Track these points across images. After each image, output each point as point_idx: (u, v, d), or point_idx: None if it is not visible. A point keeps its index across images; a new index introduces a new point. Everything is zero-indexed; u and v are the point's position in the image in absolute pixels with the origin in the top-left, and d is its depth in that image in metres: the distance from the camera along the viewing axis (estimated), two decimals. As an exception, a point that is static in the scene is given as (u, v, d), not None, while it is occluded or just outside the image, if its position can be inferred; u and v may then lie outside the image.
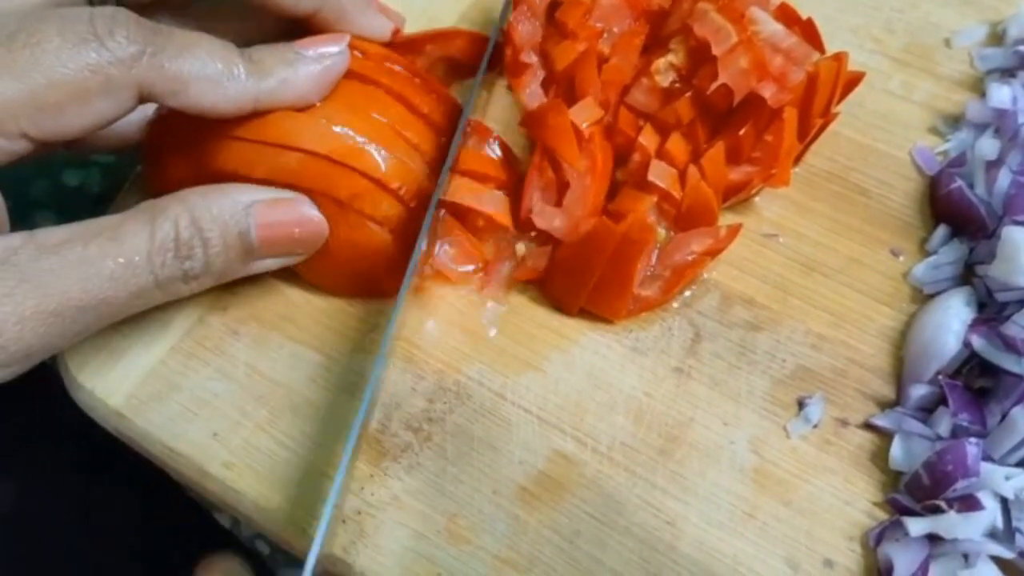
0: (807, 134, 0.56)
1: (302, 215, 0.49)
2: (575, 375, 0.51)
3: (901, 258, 0.55)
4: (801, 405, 0.50)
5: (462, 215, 0.54)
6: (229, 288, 0.54)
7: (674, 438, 0.49)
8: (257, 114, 0.48)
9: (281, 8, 0.50)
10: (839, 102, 0.57)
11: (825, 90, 0.54)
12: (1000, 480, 0.44)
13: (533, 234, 0.54)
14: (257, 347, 0.52)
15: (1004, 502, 0.44)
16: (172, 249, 0.44)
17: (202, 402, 0.50)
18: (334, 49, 0.50)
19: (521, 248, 0.54)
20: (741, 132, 0.53)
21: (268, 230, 0.47)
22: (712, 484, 0.48)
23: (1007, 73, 0.60)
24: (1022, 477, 0.44)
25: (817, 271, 0.54)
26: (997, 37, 0.63)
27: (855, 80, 0.57)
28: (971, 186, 0.54)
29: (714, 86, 0.52)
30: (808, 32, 0.56)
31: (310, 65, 0.48)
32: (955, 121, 0.59)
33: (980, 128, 0.58)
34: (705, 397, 0.50)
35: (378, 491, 0.48)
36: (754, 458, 0.49)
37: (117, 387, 0.51)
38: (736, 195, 0.55)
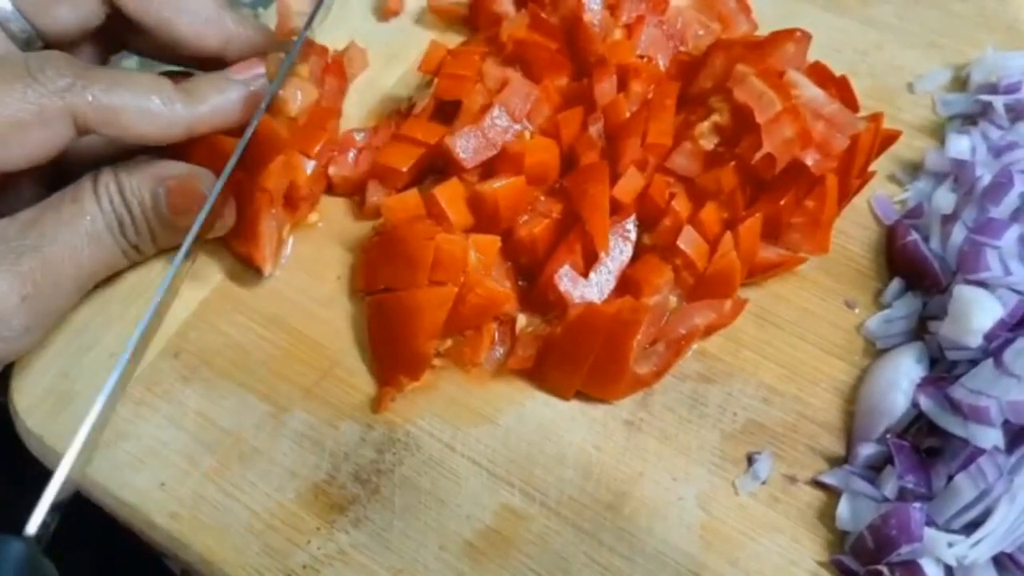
0: (846, 196, 0.56)
1: (205, 196, 0.51)
2: (527, 427, 0.51)
3: (856, 310, 0.55)
4: (750, 461, 0.50)
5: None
6: (181, 333, 0.54)
7: (622, 493, 0.49)
8: None
9: (187, 47, 0.53)
10: (876, 159, 0.57)
11: (864, 152, 0.54)
12: (943, 546, 0.44)
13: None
14: (207, 394, 0.52)
15: (948, 570, 0.44)
16: (112, 212, 0.49)
17: (150, 451, 0.50)
18: (261, 70, 0.53)
19: (522, 320, 0.53)
20: (782, 203, 0.52)
21: (178, 201, 0.50)
22: (659, 541, 0.48)
23: (969, 120, 0.60)
24: (965, 544, 0.44)
25: (771, 322, 0.54)
26: (961, 82, 0.63)
27: (892, 138, 0.57)
28: (927, 238, 0.54)
29: (759, 155, 0.51)
30: (843, 90, 0.56)
31: (241, 89, 0.52)
32: (914, 169, 0.59)
33: (939, 178, 0.58)
34: (655, 451, 0.50)
35: (324, 544, 0.48)
36: (702, 515, 0.48)
37: (65, 434, 0.50)
38: (761, 274, 0.55)
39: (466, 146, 0.54)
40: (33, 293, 0.46)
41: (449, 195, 0.53)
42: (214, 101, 0.51)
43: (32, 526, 0.41)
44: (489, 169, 0.55)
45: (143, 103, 0.48)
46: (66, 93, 0.46)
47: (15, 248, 0.46)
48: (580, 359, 0.50)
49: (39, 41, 0.51)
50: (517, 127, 0.55)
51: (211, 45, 0.54)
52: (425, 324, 0.50)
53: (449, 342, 0.52)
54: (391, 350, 0.52)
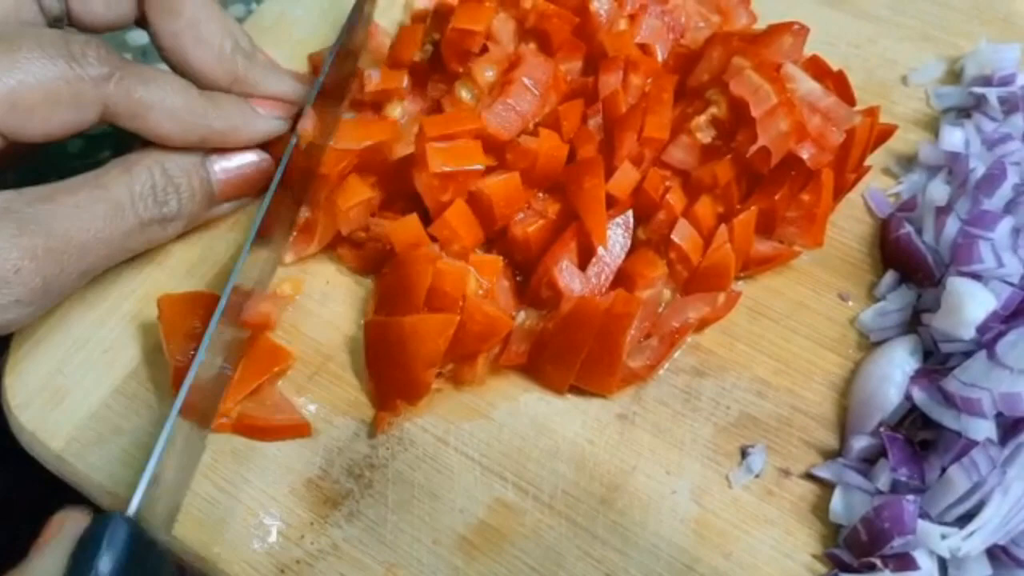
0: (842, 191, 0.55)
1: (254, 160, 0.54)
2: (520, 422, 0.51)
3: (849, 303, 0.55)
4: (744, 454, 0.50)
5: None
6: (174, 329, 0.54)
7: (616, 487, 0.49)
8: None
9: (194, 76, 0.53)
10: (871, 153, 0.56)
11: (860, 147, 0.54)
12: (936, 538, 0.44)
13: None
14: (200, 390, 0.52)
15: (942, 562, 0.44)
16: (151, 195, 0.50)
17: (144, 446, 0.50)
18: (279, 115, 0.55)
19: (522, 316, 0.53)
20: (777, 196, 0.52)
21: (226, 175, 0.54)
22: (652, 535, 0.48)
23: (962, 113, 0.60)
24: (959, 536, 0.44)
25: (765, 316, 0.54)
26: (955, 75, 0.63)
27: (888, 132, 0.56)
28: (920, 231, 0.54)
29: (754, 148, 0.51)
30: (840, 85, 0.56)
31: (262, 123, 0.54)
32: (908, 162, 0.59)
33: (933, 170, 0.57)
34: (648, 445, 0.50)
35: (318, 539, 0.48)
36: (695, 508, 0.48)
37: (59, 430, 0.51)
38: (755, 267, 0.54)
39: (503, 120, 0.54)
40: (30, 268, 0.45)
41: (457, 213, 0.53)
42: (235, 121, 0.52)
43: (132, 507, 0.42)
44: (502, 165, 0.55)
45: (172, 104, 0.49)
46: (104, 82, 0.47)
47: (17, 219, 0.45)
48: (573, 353, 0.50)
49: (65, 22, 0.51)
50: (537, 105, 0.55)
51: (217, 81, 0.53)
52: (425, 352, 0.49)
53: (450, 365, 0.52)
54: (390, 375, 0.51)
